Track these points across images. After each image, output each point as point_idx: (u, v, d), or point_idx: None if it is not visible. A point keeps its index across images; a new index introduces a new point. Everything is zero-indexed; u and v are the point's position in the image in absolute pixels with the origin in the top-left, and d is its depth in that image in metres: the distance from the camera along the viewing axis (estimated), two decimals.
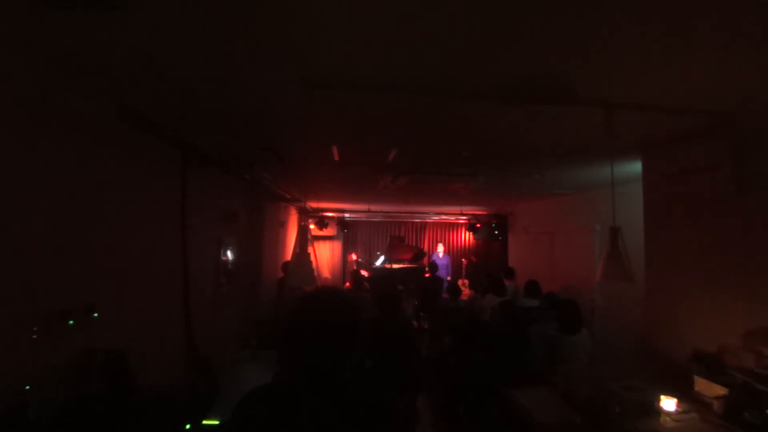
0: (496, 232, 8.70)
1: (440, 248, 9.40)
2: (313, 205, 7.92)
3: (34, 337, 1.76)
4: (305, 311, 1.24)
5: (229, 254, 4.34)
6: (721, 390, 2.30)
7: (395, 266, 8.90)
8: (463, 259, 9.81)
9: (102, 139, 2.25)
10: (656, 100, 2.19)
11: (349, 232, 10.07)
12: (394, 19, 1.46)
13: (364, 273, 7.93)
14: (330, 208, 8.90)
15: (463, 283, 7.85)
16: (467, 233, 10.33)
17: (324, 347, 1.21)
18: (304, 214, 8.51)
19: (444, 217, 10.06)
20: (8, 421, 1.57)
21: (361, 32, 1.56)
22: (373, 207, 8.61)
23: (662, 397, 2.32)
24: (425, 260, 9.57)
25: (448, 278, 8.54)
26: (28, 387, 1.68)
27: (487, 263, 9.17)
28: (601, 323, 4.83)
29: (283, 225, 7.21)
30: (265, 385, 1.25)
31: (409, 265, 9.05)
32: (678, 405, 2.30)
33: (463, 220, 10.15)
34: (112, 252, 2.36)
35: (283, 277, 5.88)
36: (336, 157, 3.62)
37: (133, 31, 1.56)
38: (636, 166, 3.47)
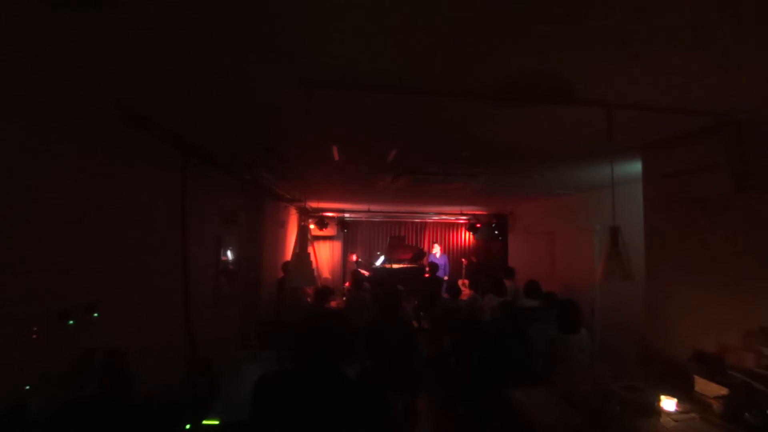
0: (496, 232, 8.70)
1: (436, 248, 9.39)
2: (313, 205, 7.92)
3: (34, 337, 1.76)
4: (308, 326, 1.48)
5: (229, 254, 4.34)
6: (721, 390, 2.29)
7: (395, 266, 8.90)
8: (463, 259, 9.81)
9: (102, 139, 2.25)
10: (656, 100, 2.19)
11: (349, 232, 10.07)
12: (394, 19, 1.46)
13: (364, 273, 7.93)
14: (330, 208, 8.90)
15: (463, 283, 7.85)
16: (467, 233, 10.33)
17: (321, 354, 1.41)
18: (304, 214, 8.51)
19: (444, 217, 10.06)
20: (8, 421, 1.57)
21: (361, 32, 1.56)
22: (373, 207, 8.61)
23: (662, 397, 2.32)
24: (425, 260, 9.57)
25: (445, 278, 8.54)
26: (28, 387, 1.68)
27: (487, 263, 9.17)
28: (601, 323, 4.83)
29: (283, 225, 7.21)
30: (277, 370, 1.51)
31: (409, 265, 9.05)
32: (678, 405, 2.30)
33: (463, 220, 10.15)
34: (113, 252, 2.36)
35: (283, 277, 5.88)
36: (336, 157, 3.62)
37: (133, 31, 1.56)
38: (636, 166, 3.46)
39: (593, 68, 1.84)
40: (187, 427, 2.24)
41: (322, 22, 1.50)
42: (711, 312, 2.66)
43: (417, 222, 10.63)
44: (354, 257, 9.51)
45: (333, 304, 6.00)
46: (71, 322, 1.94)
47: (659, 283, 3.11)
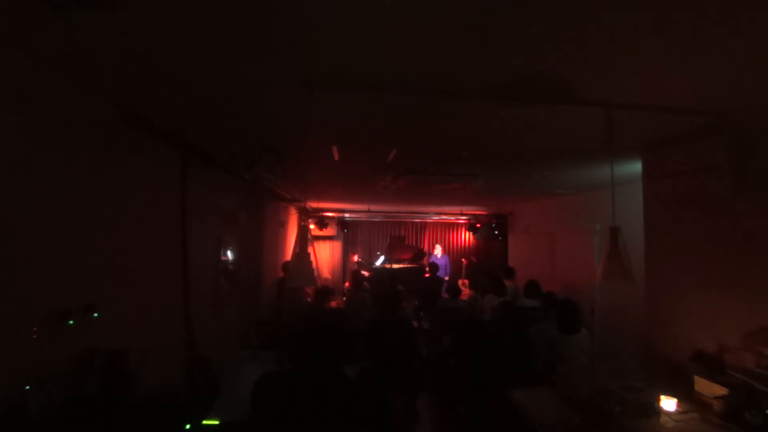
0: (496, 232, 8.70)
1: (438, 249, 9.40)
2: (313, 205, 7.92)
3: (34, 337, 1.76)
4: (308, 326, 1.49)
5: (229, 254, 4.34)
6: (721, 390, 2.30)
7: (395, 266, 8.90)
8: (463, 259, 9.81)
9: (102, 139, 2.25)
10: (656, 100, 2.19)
11: (349, 232, 10.07)
12: (394, 19, 1.46)
13: (364, 273, 7.93)
14: (330, 208, 8.90)
15: (463, 283, 7.85)
16: (467, 233, 10.33)
17: (321, 354, 1.42)
18: (304, 214, 8.51)
19: (444, 217, 10.06)
20: (8, 420, 1.57)
21: (361, 32, 1.56)
22: (373, 207, 8.61)
23: (662, 397, 2.32)
24: (425, 260, 9.57)
25: (446, 278, 8.55)
26: (28, 387, 1.68)
27: (487, 263, 9.17)
28: (601, 323, 4.83)
29: (283, 225, 7.21)
30: (277, 370, 1.53)
31: (409, 265, 9.05)
32: (678, 405, 2.30)
33: (463, 220, 10.15)
34: (112, 252, 2.36)
35: (283, 277, 5.88)
36: (336, 157, 3.62)
37: (133, 31, 1.56)
38: (636, 166, 3.47)
39: (593, 68, 1.84)
40: (187, 427, 2.23)
41: (322, 22, 1.50)
42: (711, 312, 2.66)
43: (417, 222, 10.64)
44: (356, 258, 9.50)
45: (333, 304, 6.00)
46: (71, 322, 1.94)
47: (659, 283, 3.11)
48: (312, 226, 8.63)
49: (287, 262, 6.19)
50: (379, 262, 9.16)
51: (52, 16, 1.43)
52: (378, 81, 2.01)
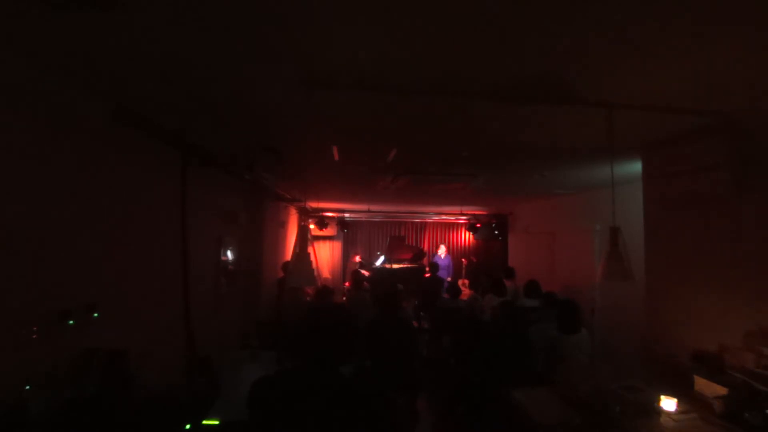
0: (496, 232, 8.70)
1: (442, 249, 9.39)
2: (313, 205, 7.92)
3: (34, 337, 1.76)
4: (308, 324, 1.49)
5: (229, 254, 4.34)
6: (721, 390, 2.30)
7: (395, 266, 8.90)
8: (463, 259, 9.81)
9: (102, 139, 2.25)
10: (656, 100, 2.19)
11: (349, 232, 10.06)
12: (394, 19, 1.46)
13: (364, 273, 7.93)
14: (330, 208, 8.90)
15: (463, 283, 7.85)
16: (467, 233, 10.33)
17: (320, 354, 1.42)
18: (304, 214, 8.51)
19: (444, 217, 10.06)
20: (8, 420, 1.57)
21: (362, 32, 1.56)
22: (373, 207, 8.61)
23: (662, 397, 2.33)
24: (425, 260, 9.57)
25: (449, 279, 8.54)
26: (28, 387, 1.68)
27: (487, 263, 9.17)
28: (601, 323, 4.83)
29: (283, 225, 7.21)
30: (277, 372, 1.52)
31: (409, 265, 9.05)
32: (678, 405, 2.30)
33: (463, 220, 10.15)
34: (112, 252, 2.36)
35: (283, 277, 5.88)
36: (336, 157, 3.62)
37: (133, 31, 1.56)
38: (636, 166, 3.46)
39: (594, 68, 1.83)
40: (187, 427, 2.23)
41: (322, 23, 1.50)
42: (711, 312, 2.66)
43: (417, 222, 10.64)
44: (357, 258, 9.49)
45: None
46: (71, 322, 1.94)
47: (659, 283, 3.11)
48: (312, 226, 8.63)
49: (287, 262, 6.19)
50: (379, 262, 9.16)
51: (52, 16, 1.43)
52: (378, 81, 2.00)
